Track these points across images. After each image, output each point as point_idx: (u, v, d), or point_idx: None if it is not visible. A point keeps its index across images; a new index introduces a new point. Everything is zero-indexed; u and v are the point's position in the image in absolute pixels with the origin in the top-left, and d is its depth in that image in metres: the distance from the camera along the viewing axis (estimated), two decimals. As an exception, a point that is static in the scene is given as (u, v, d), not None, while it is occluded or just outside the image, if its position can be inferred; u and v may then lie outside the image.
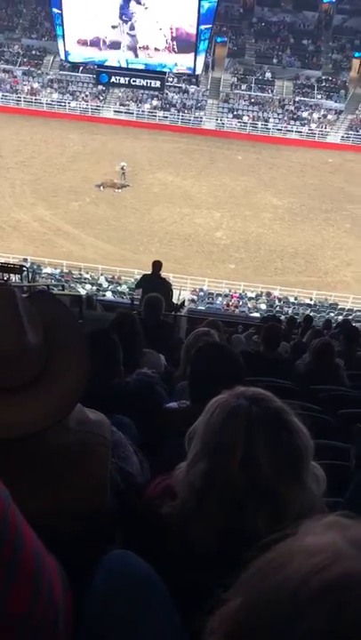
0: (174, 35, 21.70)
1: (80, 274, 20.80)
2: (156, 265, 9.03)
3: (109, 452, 1.48)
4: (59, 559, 0.97)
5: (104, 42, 22.13)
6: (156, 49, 22.13)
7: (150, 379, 2.77)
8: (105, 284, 20.25)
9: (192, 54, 21.66)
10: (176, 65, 22.68)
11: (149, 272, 9.24)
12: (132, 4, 21.45)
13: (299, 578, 0.53)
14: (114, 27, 21.87)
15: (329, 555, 0.54)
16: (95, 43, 22.19)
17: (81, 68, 32.42)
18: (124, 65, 22.61)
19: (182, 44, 21.64)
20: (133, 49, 22.30)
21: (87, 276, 20.85)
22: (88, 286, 19.43)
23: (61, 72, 34.17)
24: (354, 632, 0.49)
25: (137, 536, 1.39)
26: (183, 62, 22.33)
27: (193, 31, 20.90)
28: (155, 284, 8.61)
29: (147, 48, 22.22)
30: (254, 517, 1.16)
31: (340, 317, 17.29)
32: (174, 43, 21.81)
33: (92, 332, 2.51)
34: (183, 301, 13.58)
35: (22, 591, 0.78)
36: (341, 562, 0.53)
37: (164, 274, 9.29)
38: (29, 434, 1.27)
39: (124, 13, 21.79)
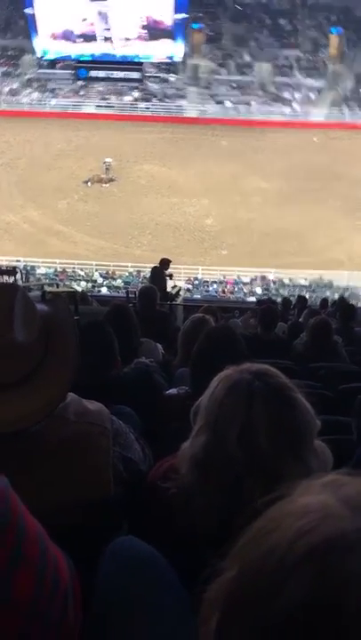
0: (150, 24, 21.56)
1: (74, 271, 20.78)
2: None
3: (110, 441, 1.50)
4: (67, 550, 0.97)
5: (78, 35, 21.97)
6: (132, 39, 21.98)
7: (148, 367, 2.78)
8: (100, 280, 20.25)
9: (170, 42, 21.54)
10: (154, 55, 22.54)
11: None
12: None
13: (285, 542, 0.50)
14: (87, 19, 21.69)
15: (318, 515, 0.51)
16: (69, 36, 22.03)
17: (59, 65, 32.17)
18: (101, 58, 22.46)
19: (159, 32, 21.51)
20: (109, 40, 22.15)
21: (82, 273, 20.84)
22: (83, 283, 19.42)
23: (39, 70, 33.86)
24: (337, 600, 0.46)
25: (142, 519, 1.40)
26: (162, 51, 22.21)
27: (170, 19, 20.77)
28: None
29: (123, 39, 22.08)
30: (253, 493, 1.15)
31: (337, 295, 17.31)
32: (151, 32, 21.67)
33: (86, 325, 2.52)
34: (178, 290, 13.61)
35: (26, 577, 0.78)
36: (330, 522, 0.50)
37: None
38: (13, 431, 1.29)
39: (98, 5, 21.63)
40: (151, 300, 5.81)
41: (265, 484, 1.14)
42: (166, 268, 10.75)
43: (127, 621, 0.97)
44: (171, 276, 11.48)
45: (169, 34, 20.82)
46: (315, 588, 0.46)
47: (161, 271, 10.55)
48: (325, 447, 1.29)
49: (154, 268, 10.90)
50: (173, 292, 11.90)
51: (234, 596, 0.54)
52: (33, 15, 20.95)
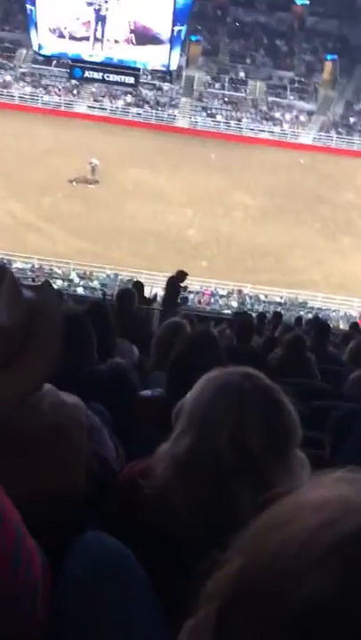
0: (148, 31, 21.62)
1: (51, 269, 20.61)
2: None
3: (85, 436, 1.45)
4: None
5: (77, 36, 21.92)
6: (130, 44, 22.01)
7: (124, 366, 2.74)
8: (76, 280, 20.12)
9: (167, 51, 21.60)
10: (150, 62, 22.59)
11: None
12: (106, 2, 21.33)
13: (304, 535, 0.49)
14: (86, 21, 21.67)
15: (339, 508, 0.49)
16: (66, 34, 21.96)
17: (54, 62, 32.06)
18: (97, 60, 22.42)
19: (156, 40, 21.57)
20: (107, 44, 22.14)
21: (59, 271, 20.68)
22: (59, 282, 19.26)
23: (34, 65, 33.75)
24: None
25: (112, 516, 1.36)
26: (158, 59, 22.24)
27: (168, 28, 20.84)
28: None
29: (120, 43, 22.09)
30: (238, 496, 1.14)
31: (310, 315, 17.47)
32: (148, 39, 21.72)
33: (65, 316, 2.46)
34: (155, 295, 13.61)
35: (1, 565, 0.74)
36: (352, 515, 0.49)
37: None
38: None
39: (97, 8, 21.63)
40: (129, 302, 5.78)
41: (252, 485, 1.12)
42: (182, 280, 10.88)
43: (92, 629, 0.93)
44: (185, 288, 11.58)
45: (167, 42, 20.84)
46: (343, 579, 0.45)
47: (177, 282, 10.64)
48: (304, 456, 1.27)
49: (170, 278, 10.98)
50: (150, 297, 11.87)
51: (240, 587, 0.51)
52: (33, 8, 20.81)
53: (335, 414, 3.10)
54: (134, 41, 21.87)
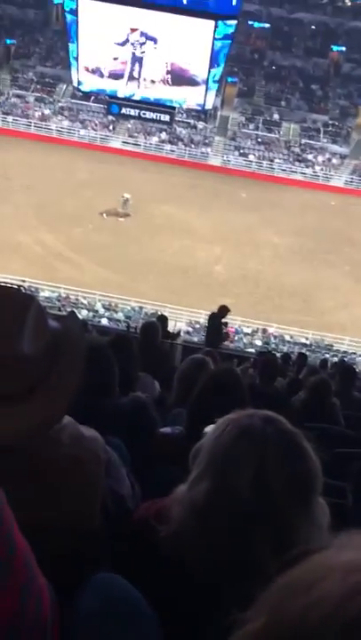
0: (185, 72, 22.12)
1: (77, 299, 20.79)
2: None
3: (101, 471, 1.43)
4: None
5: (114, 75, 22.53)
6: (166, 84, 22.53)
7: (145, 401, 2.69)
8: (101, 311, 20.23)
9: (203, 91, 22.03)
10: (186, 101, 23.06)
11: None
12: (145, 40, 21.93)
13: (333, 600, 0.46)
14: (124, 61, 22.27)
15: None
16: (106, 74, 22.58)
17: (92, 98, 32.96)
18: (135, 97, 22.97)
19: (192, 82, 22.03)
20: (144, 83, 22.70)
21: (84, 301, 20.84)
22: (85, 312, 19.39)
23: (73, 100, 34.75)
24: None
25: (127, 559, 1.31)
26: (193, 99, 22.69)
27: (205, 70, 21.30)
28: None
29: (157, 83, 22.63)
30: (258, 544, 1.09)
31: (336, 359, 17.25)
32: (185, 80, 22.20)
33: (88, 347, 2.44)
34: (179, 330, 13.59)
35: (10, 600, 0.71)
36: None
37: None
38: (9, 445, 1.22)
39: (134, 50, 22.25)
40: (153, 336, 5.75)
41: (273, 533, 1.08)
42: (224, 316, 10.91)
43: None
44: (226, 324, 11.57)
45: (203, 83, 21.26)
46: None
47: (219, 318, 10.71)
48: (324, 503, 1.23)
49: (212, 315, 11.06)
50: (174, 331, 11.85)
51: None
52: (76, 46, 21.48)
53: (358, 463, 3.00)
54: (170, 82, 22.38)
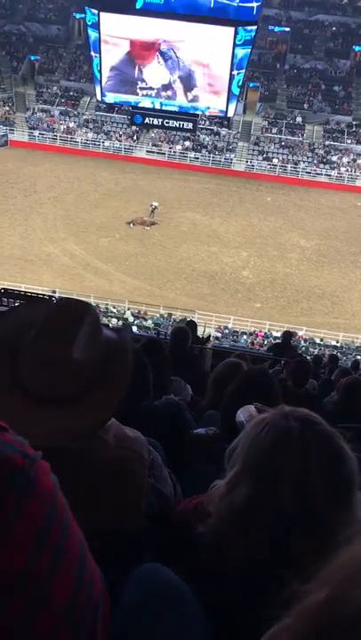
0: (207, 79, 22.22)
1: (107, 307, 20.96)
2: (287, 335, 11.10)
3: (146, 471, 1.47)
4: None
5: (138, 86, 22.75)
6: (189, 92, 22.66)
7: (179, 403, 2.74)
8: (131, 319, 20.35)
9: (225, 98, 22.10)
10: (209, 108, 23.15)
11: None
12: (166, 49, 22.12)
13: None
14: (148, 71, 22.49)
15: None
16: (130, 85, 22.81)
17: (116, 109, 33.31)
18: (157, 107, 23.16)
19: (215, 88, 22.12)
20: (168, 92, 22.87)
21: (114, 310, 21.00)
22: (114, 320, 19.54)
23: (97, 112, 35.17)
24: None
25: (169, 553, 1.35)
26: (216, 105, 22.78)
27: (226, 76, 21.37)
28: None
29: (179, 92, 22.77)
30: (300, 546, 1.11)
31: (367, 360, 17.04)
32: (207, 87, 22.30)
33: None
34: (209, 335, 13.60)
35: (66, 579, 0.76)
36: None
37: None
38: (57, 445, 1.27)
39: (159, 58, 22.43)
40: (183, 340, 5.79)
41: (314, 535, 1.10)
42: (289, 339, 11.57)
43: None
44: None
45: (225, 90, 21.35)
46: None
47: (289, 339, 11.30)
48: None
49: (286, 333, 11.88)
50: (204, 337, 11.88)
51: (326, 622, 0.50)
52: (99, 59, 21.77)
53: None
54: (193, 89, 22.51)
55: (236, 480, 1.23)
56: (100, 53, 22.08)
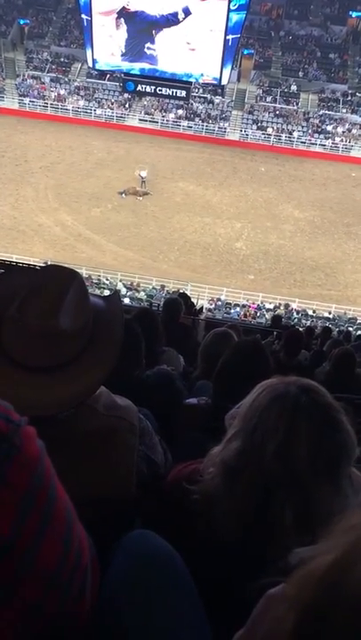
0: (201, 46, 21.81)
1: (99, 279, 20.89)
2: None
3: (137, 439, 1.47)
4: None
5: (130, 52, 22.31)
6: (182, 58, 22.25)
7: (170, 373, 2.74)
8: (123, 290, 20.30)
9: (218, 65, 21.74)
10: (202, 75, 22.77)
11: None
12: (160, 15, 21.68)
13: None
14: (139, 40, 22.04)
15: None
16: (121, 52, 22.36)
17: (108, 76, 32.69)
18: (150, 73, 22.74)
19: (209, 55, 21.73)
20: (160, 58, 22.45)
21: (106, 282, 20.93)
22: (106, 292, 19.48)
23: (88, 79, 34.51)
24: None
25: (158, 519, 1.35)
26: (209, 73, 22.41)
27: (220, 43, 20.98)
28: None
29: (173, 59, 22.36)
30: (282, 510, 1.12)
31: (360, 332, 17.13)
32: (201, 53, 21.90)
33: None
34: (202, 307, 13.59)
35: (53, 545, 0.75)
36: None
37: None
38: (46, 415, 1.26)
39: (150, 27, 21.97)
40: (175, 311, 5.78)
41: (295, 499, 1.11)
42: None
43: (137, 621, 0.93)
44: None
45: (219, 57, 21.00)
46: None
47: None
48: (359, 474, 1.24)
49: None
50: (197, 308, 11.87)
51: (333, 585, 0.48)
52: (90, 23, 21.27)
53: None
54: (186, 55, 22.13)
55: (232, 437, 1.25)
56: (91, 16, 21.58)
